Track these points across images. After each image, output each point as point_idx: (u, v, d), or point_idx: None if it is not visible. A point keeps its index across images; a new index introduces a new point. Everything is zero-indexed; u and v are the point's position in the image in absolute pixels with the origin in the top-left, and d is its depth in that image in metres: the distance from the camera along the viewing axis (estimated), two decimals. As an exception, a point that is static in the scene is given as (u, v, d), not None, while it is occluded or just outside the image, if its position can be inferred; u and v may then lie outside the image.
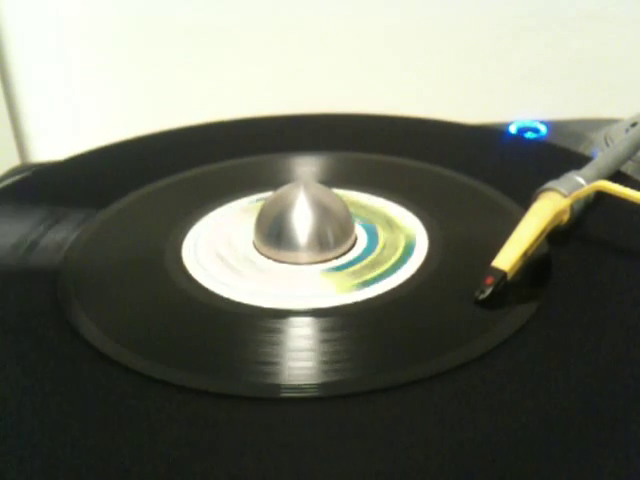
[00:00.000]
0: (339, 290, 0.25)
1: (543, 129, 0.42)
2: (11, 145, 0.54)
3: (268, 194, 0.30)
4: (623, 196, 0.26)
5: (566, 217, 0.27)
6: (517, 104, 0.54)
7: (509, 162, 0.36)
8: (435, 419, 0.19)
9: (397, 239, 0.28)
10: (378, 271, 0.26)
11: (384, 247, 0.28)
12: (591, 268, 0.26)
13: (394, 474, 0.17)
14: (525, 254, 0.25)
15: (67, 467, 0.18)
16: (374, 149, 0.37)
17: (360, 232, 0.29)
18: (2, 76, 0.53)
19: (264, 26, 0.53)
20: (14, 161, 0.53)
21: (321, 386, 0.20)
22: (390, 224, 0.30)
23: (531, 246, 0.25)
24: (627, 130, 0.37)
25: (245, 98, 0.53)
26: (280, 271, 0.27)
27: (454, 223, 0.29)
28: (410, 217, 0.30)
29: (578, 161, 0.30)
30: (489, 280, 0.24)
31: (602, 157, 0.30)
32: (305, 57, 0.54)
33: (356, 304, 0.24)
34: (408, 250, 0.27)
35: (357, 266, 0.27)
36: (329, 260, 0.27)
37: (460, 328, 0.23)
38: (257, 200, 0.32)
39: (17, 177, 0.37)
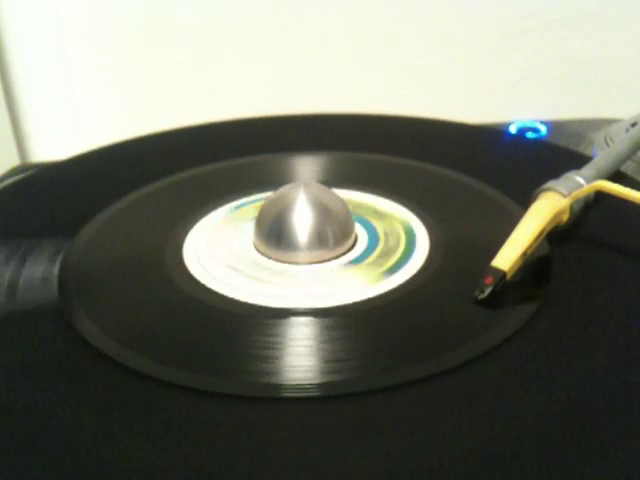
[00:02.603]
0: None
1: (543, 129, 0.42)
2: (11, 145, 0.54)
3: (268, 194, 0.30)
4: (622, 196, 0.26)
5: (566, 217, 0.27)
6: (517, 104, 0.54)
7: (509, 162, 0.36)
8: (435, 419, 0.19)
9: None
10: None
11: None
12: (591, 268, 0.26)
13: (394, 474, 0.17)
14: (524, 254, 0.25)
15: (67, 467, 0.18)
16: (374, 149, 0.37)
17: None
18: (2, 76, 0.53)
19: (264, 26, 0.53)
20: (14, 161, 0.53)
21: (321, 386, 0.20)
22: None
23: (530, 246, 0.25)
24: (627, 130, 0.37)
25: (245, 98, 0.53)
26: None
27: (454, 223, 0.29)
28: (410, 217, 0.30)
29: (578, 161, 0.30)
30: (488, 280, 0.24)
31: (602, 157, 0.30)
32: (305, 57, 0.54)
33: (355, 304, 0.24)
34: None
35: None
36: (329, 260, 0.27)
37: (460, 328, 0.23)
38: (257, 200, 0.32)
39: (17, 177, 0.37)
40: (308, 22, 0.53)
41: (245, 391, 0.20)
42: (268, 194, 0.30)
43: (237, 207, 0.32)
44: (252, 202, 0.32)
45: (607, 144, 0.37)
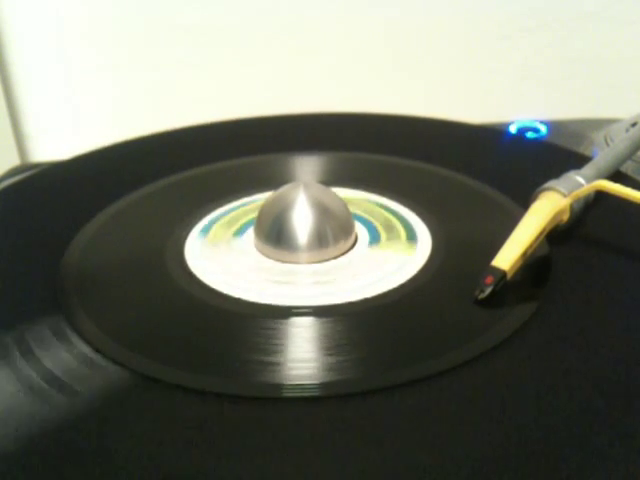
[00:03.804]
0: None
1: (543, 129, 0.42)
2: (11, 145, 0.54)
3: (268, 194, 0.30)
4: (623, 196, 0.26)
5: (566, 217, 0.27)
6: (517, 104, 0.54)
7: (509, 162, 0.36)
8: (435, 419, 0.19)
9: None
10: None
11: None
12: (591, 268, 0.26)
13: (394, 474, 0.17)
14: (525, 254, 0.25)
15: (67, 467, 0.18)
16: (374, 149, 0.37)
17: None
18: (2, 76, 0.53)
19: (264, 26, 0.53)
20: (14, 161, 0.53)
21: (321, 386, 0.20)
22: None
23: (531, 246, 0.25)
24: (627, 130, 0.37)
25: (245, 98, 0.53)
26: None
27: (454, 223, 0.29)
28: (410, 217, 0.30)
29: (578, 161, 0.30)
30: (489, 280, 0.24)
31: (602, 157, 0.30)
32: (305, 57, 0.54)
33: (356, 304, 0.24)
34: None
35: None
36: (329, 260, 0.27)
37: (460, 328, 0.23)
38: (257, 200, 0.32)
39: (17, 177, 0.37)
40: (308, 22, 0.53)
41: (245, 391, 0.20)
42: (268, 194, 0.30)
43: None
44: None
45: (607, 144, 0.37)
